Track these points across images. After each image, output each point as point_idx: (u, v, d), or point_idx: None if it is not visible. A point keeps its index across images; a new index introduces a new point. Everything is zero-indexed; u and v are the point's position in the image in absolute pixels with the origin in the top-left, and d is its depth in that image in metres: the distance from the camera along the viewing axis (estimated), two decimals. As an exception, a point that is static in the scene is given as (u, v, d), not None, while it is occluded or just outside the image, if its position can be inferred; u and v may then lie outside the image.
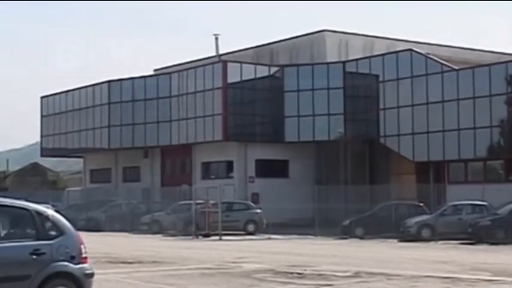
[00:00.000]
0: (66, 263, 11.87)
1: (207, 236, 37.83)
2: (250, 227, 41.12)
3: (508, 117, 41.59)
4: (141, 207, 47.44)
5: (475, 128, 42.22)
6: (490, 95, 41.70)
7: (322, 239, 36.79)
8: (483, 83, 42.02)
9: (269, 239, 37.70)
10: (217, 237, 37.15)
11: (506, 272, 20.76)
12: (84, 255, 12.17)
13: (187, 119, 50.43)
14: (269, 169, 49.10)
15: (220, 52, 55.62)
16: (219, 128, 48.39)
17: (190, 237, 38.23)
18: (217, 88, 48.52)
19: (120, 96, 54.29)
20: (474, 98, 42.24)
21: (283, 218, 44.41)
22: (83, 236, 12.75)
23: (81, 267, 12.06)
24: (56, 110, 60.81)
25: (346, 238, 36.99)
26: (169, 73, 53.75)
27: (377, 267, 21.55)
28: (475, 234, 33.75)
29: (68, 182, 76.63)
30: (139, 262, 23.58)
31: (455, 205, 36.95)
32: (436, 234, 34.98)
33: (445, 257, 26.00)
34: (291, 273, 20.15)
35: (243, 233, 40.58)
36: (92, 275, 12.32)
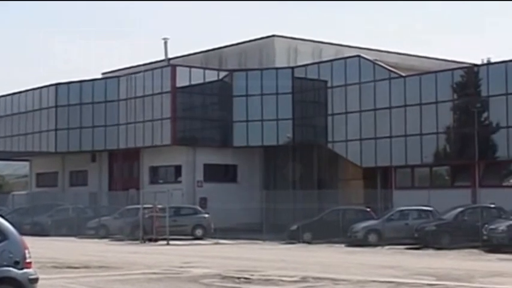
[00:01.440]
0: (9, 268, 11.71)
1: (154, 240, 37.65)
2: (198, 232, 41.03)
3: (453, 123, 42.14)
4: (88, 211, 47.05)
5: (421, 134, 42.69)
6: (437, 102, 42.20)
7: (270, 243, 36.87)
8: (430, 89, 42.50)
9: (217, 243, 37.68)
10: (164, 242, 37.00)
11: (449, 276, 21.04)
12: (28, 260, 12.02)
13: (135, 122, 50.12)
14: (217, 174, 49.04)
15: (169, 56, 55.42)
16: (168, 132, 48.18)
17: (138, 242, 38.02)
18: (166, 92, 48.32)
19: (68, 100, 53.70)
20: (421, 104, 42.70)
21: (231, 222, 44.46)
22: (28, 240, 12.59)
23: (25, 273, 11.91)
24: (1, 112, 59.95)
25: (293, 243, 37.11)
26: (118, 76, 53.35)
27: (324, 272, 21.65)
28: (421, 239, 34.16)
29: (13, 186, 75.58)
30: (86, 267, 23.38)
31: (402, 210, 37.34)
32: (383, 239, 35.30)
33: (391, 262, 26.24)
34: (239, 278, 20.16)
35: (190, 237, 40.48)
36: (36, 280, 12.17)
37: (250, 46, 52.76)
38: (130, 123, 50.46)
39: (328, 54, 50.83)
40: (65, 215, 46.44)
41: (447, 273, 22.05)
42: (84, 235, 42.78)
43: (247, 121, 48.90)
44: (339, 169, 48.28)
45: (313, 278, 20.16)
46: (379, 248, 34.10)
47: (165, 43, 55.36)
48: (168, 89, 48.22)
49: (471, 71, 42.58)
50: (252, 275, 20.67)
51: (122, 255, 29.14)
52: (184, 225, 40.76)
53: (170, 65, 51.06)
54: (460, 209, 35.16)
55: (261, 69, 49.96)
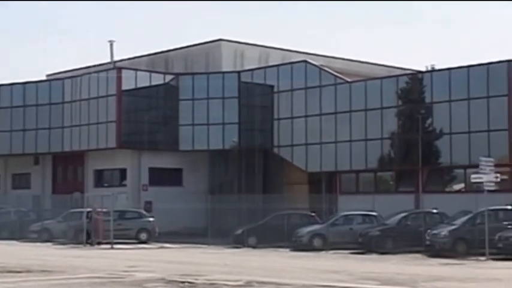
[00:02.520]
0: None
1: (98, 244, 37.27)
2: (143, 236, 40.75)
3: (398, 129, 42.56)
4: (30, 215, 46.36)
5: (366, 140, 43.04)
6: (382, 108, 42.60)
7: (214, 248, 36.76)
8: (375, 95, 42.89)
9: (162, 247, 37.45)
10: (109, 246, 36.65)
11: (393, 280, 21.20)
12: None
13: (80, 125, 49.60)
14: (163, 177, 48.75)
15: (115, 59, 54.97)
16: (113, 135, 47.78)
17: (82, 245, 37.60)
18: (112, 95, 47.92)
19: (11, 101, 52.89)
20: (366, 110, 43.07)
21: (176, 226, 44.28)
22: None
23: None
24: None
25: (238, 247, 37.07)
26: (63, 79, 52.75)
27: (269, 277, 21.63)
28: (365, 244, 34.42)
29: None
30: (28, 271, 23.00)
31: (347, 215, 37.58)
32: (328, 244, 35.47)
33: (335, 266, 26.34)
34: (183, 282, 20.03)
35: (135, 241, 40.18)
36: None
37: (197, 50, 52.61)
38: (75, 126, 49.92)
39: (274, 59, 50.97)
40: (6, 218, 45.70)
41: (390, 277, 22.22)
42: (26, 239, 42.16)
43: (193, 125, 48.75)
44: (284, 174, 48.39)
45: (258, 282, 20.12)
46: (323, 252, 34.24)
47: (111, 45, 54.93)
48: (114, 92, 47.83)
49: (416, 77, 43.08)
50: (196, 279, 20.55)
51: (65, 259, 28.76)
52: (129, 229, 40.45)
53: (116, 67, 50.67)
54: (403, 214, 35.52)
55: (208, 73, 49.88)
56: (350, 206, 39.35)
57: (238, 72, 49.38)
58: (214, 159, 50.36)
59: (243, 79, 48.74)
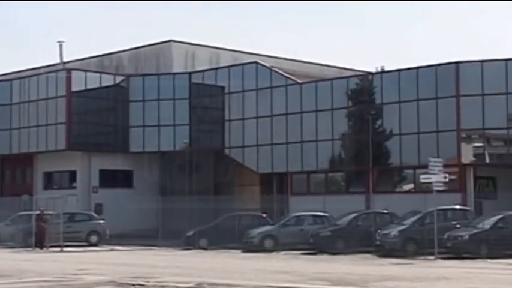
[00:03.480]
0: None
1: (47, 247, 36.85)
2: (93, 238, 40.39)
3: (348, 130, 42.82)
4: (-23, 218, 45.59)
5: (317, 141, 43.21)
6: (332, 109, 42.82)
7: (166, 249, 36.59)
8: (325, 96, 43.08)
9: (112, 250, 37.16)
10: (58, 249, 36.25)
11: (344, 281, 21.30)
12: None
13: (29, 127, 48.98)
14: (113, 179, 48.39)
15: (65, 59, 54.43)
16: (62, 137, 47.28)
17: (30, 249, 37.12)
18: (61, 96, 47.41)
19: (-43, 102, 51.99)
20: (317, 111, 43.25)
21: (127, 228, 43.98)
22: None
23: None
24: None
25: (190, 249, 36.94)
26: (11, 80, 52.01)
27: (220, 278, 21.58)
28: (316, 245, 34.55)
29: None
30: (-26, 275, 22.62)
31: (298, 216, 37.68)
32: (279, 245, 35.52)
33: (286, 267, 26.38)
34: (133, 284, 19.89)
35: (85, 244, 39.81)
36: None
37: (147, 51, 52.36)
38: (23, 127, 49.29)
39: (225, 60, 50.93)
40: (-47, 222, 44.85)
41: (341, 277, 22.32)
42: (-27, 242, 41.48)
43: (143, 126, 48.48)
44: (235, 175, 48.37)
45: (209, 284, 20.06)
46: (274, 253, 34.28)
47: (60, 46, 54.40)
48: (63, 93, 47.35)
49: (366, 78, 43.39)
50: (147, 282, 20.42)
51: (14, 263, 28.35)
52: (79, 232, 40.06)
53: (65, 68, 50.15)
54: (354, 215, 35.73)
55: (158, 74, 49.66)
56: (301, 206, 39.49)
57: (189, 73, 49.24)
58: (165, 161, 50.12)
59: (194, 80, 48.60)
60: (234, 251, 35.72)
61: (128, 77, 49.75)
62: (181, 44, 51.89)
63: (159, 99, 48.44)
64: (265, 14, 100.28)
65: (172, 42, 51.64)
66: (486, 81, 37.95)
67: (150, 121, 48.40)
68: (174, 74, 49.35)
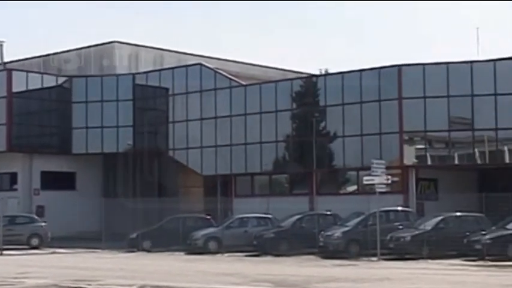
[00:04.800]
0: None
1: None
2: (34, 241, 39.81)
3: (292, 132, 42.97)
4: None
5: (261, 143, 43.27)
6: (276, 111, 42.91)
7: (109, 252, 36.28)
8: (269, 98, 43.17)
9: (54, 253, 36.71)
10: (-2, 252, 35.67)
11: (287, 282, 21.38)
12: None
13: (-32, 128, 48.08)
14: (55, 181, 47.77)
15: (6, 60, 53.60)
16: (3, 138, 46.52)
17: (-31, 252, 36.46)
18: (2, 97, 46.68)
19: None
20: (261, 113, 43.30)
21: (69, 231, 43.52)
22: None
23: None
24: None
25: (133, 251, 36.69)
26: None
27: (163, 281, 21.50)
28: (260, 246, 34.57)
29: None
30: None
31: (242, 218, 37.67)
32: (223, 247, 35.45)
33: (230, 269, 26.38)
34: (75, 288, 19.70)
35: (26, 247, 39.22)
36: None
37: (91, 52, 51.88)
38: (-38, 128, 48.34)
39: (169, 61, 50.75)
40: None
41: (284, 279, 22.40)
42: None
43: (86, 128, 48.00)
44: (179, 177, 48.17)
45: (152, 286, 19.98)
46: (219, 255, 34.24)
47: (1, 46, 53.51)
48: (4, 94, 46.62)
49: (310, 81, 43.59)
50: (89, 285, 20.26)
51: (-48, 267, 27.83)
52: (20, 234, 39.42)
53: (6, 69, 49.35)
54: (297, 216, 35.84)
55: (101, 76, 49.23)
56: (245, 208, 39.48)
57: (133, 74, 48.92)
58: (108, 163, 49.73)
59: (137, 81, 48.30)
60: (177, 253, 35.58)
61: (71, 77, 49.19)
62: (125, 45, 51.54)
63: (102, 101, 48.02)
64: (209, 15, 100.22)
65: (115, 43, 51.27)
66: (428, 84, 38.43)
67: (93, 122, 47.93)
68: (118, 75, 48.98)
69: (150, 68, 49.56)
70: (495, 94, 37.43)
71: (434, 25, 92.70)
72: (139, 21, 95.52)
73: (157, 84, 47.99)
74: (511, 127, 37.07)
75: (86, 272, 24.77)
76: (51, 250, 37.75)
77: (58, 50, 53.64)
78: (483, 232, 30.63)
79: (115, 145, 47.95)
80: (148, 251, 36.62)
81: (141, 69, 49.77)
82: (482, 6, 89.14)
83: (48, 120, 48.93)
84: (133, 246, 37.42)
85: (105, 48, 51.58)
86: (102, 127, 47.88)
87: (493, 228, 31.27)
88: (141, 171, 48.71)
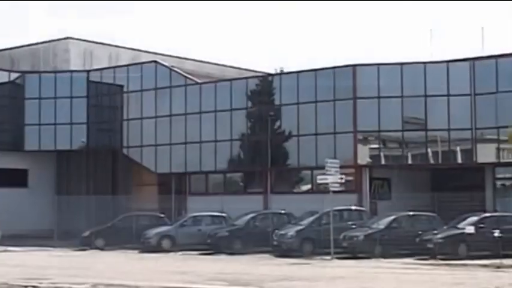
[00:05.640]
0: None
1: None
2: (-15, 239, 39.28)
3: (247, 131, 42.96)
4: None
5: (216, 141, 43.20)
6: (231, 109, 42.87)
7: (61, 250, 35.98)
8: (225, 97, 43.12)
9: (5, 251, 36.26)
10: None
11: (240, 281, 21.38)
12: None
13: None
14: (7, 178, 47.02)
15: (-43, 55, 52.84)
16: (-47, 134, 45.83)
17: None
18: (-48, 93, 46.00)
19: None
20: (216, 111, 43.23)
21: (21, 229, 42.93)
22: None
23: None
24: None
25: (86, 249, 36.44)
26: None
27: (116, 279, 21.37)
28: (214, 245, 34.57)
29: None
30: None
31: (195, 216, 37.64)
32: (177, 245, 35.39)
33: (184, 268, 26.34)
34: (26, 286, 19.51)
35: (-24, 245, 38.70)
36: None
37: (44, 48, 51.33)
38: None
39: (124, 58, 50.45)
40: None
41: (238, 278, 22.41)
42: None
43: (39, 124, 47.43)
44: (133, 175, 47.89)
45: (104, 285, 19.84)
46: (172, 253, 34.16)
47: (-47, 41, 52.80)
48: (-46, 90, 45.92)
49: (265, 80, 43.62)
50: (40, 283, 20.05)
51: None
52: (-30, 233, 38.90)
53: (-43, 64, 48.66)
54: (251, 215, 35.90)
55: (55, 72, 48.73)
56: (199, 207, 39.42)
57: (87, 71, 48.50)
58: (61, 160, 49.26)
59: (91, 78, 47.89)
60: (131, 251, 35.41)
61: (24, 73, 48.60)
62: (79, 42, 51.08)
63: (55, 97, 47.50)
64: (165, 13, 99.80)
65: (69, 40, 50.79)
66: (382, 84, 38.70)
67: (46, 119, 47.39)
68: (72, 71, 48.48)
69: (105, 65, 49.22)
70: (448, 95, 37.82)
71: (389, 26, 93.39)
72: (93, 17, 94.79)
73: (111, 82, 47.64)
74: (463, 128, 37.47)
75: (37, 270, 24.52)
76: (3, 248, 37.24)
77: (11, 46, 53.02)
78: (435, 231, 31.01)
79: (68, 142, 47.48)
80: (102, 249, 36.40)
81: (96, 66, 49.38)
82: (436, 8, 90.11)
83: (0, 116, 48.25)
84: (86, 245, 37.17)
85: (58, 45, 51.07)
86: (55, 124, 47.37)
87: (445, 227, 31.65)
88: (94, 169, 48.33)
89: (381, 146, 39.63)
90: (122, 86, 47.13)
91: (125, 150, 46.88)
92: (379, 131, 39.04)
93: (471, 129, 37.33)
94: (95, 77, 48.01)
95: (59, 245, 37.43)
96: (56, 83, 47.53)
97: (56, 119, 47.35)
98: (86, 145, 47.40)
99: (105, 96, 48.45)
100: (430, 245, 30.44)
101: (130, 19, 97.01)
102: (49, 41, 51.36)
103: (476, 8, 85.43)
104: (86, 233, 37.78)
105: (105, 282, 20.40)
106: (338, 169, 32.62)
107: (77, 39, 51.03)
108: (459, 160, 38.23)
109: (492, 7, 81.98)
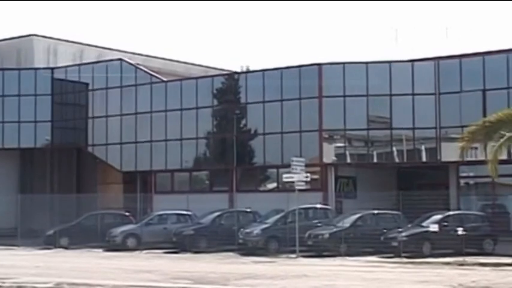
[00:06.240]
0: None
1: None
2: None
3: (213, 129, 42.90)
4: None
5: (182, 139, 43.10)
6: (197, 108, 42.79)
7: (25, 249, 35.67)
8: (190, 95, 43.02)
9: (-33, 251, 35.87)
10: None
11: (205, 279, 21.36)
12: None
13: None
14: (-31, 177, 46.64)
15: None
16: None
17: None
18: None
19: None
20: (181, 109, 43.13)
21: (-17, 228, 42.53)
22: None
23: None
24: None
25: (50, 248, 36.17)
26: None
27: (80, 278, 21.23)
28: (180, 243, 34.51)
29: None
30: None
31: (161, 215, 37.55)
32: (142, 244, 35.27)
33: (149, 266, 26.25)
34: (-12, 285, 19.27)
35: None
36: None
37: (8, 45, 50.82)
38: None
39: (90, 56, 50.13)
40: None
41: (203, 276, 22.38)
42: None
43: (3, 122, 46.93)
44: (98, 173, 47.64)
45: (68, 284, 19.70)
46: (137, 252, 34.03)
47: None
48: None
49: (231, 78, 43.59)
50: (3, 283, 19.84)
51: None
52: None
53: None
54: (217, 213, 35.86)
55: (19, 69, 48.25)
56: (165, 205, 39.32)
57: (52, 69, 48.12)
58: (25, 158, 48.83)
59: (56, 76, 47.51)
60: (96, 250, 35.23)
61: (-13, 71, 48.07)
62: (44, 39, 50.65)
63: (19, 95, 47.03)
64: (132, 11, 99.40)
65: (33, 37, 50.33)
66: (348, 83, 38.84)
67: (10, 117, 46.89)
68: (36, 69, 48.08)
69: (70, 63, 48.84)
70: (413, 94, 38.06)
71: (355, 25, 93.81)
72: (58, 14, 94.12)
73: (76, 79, 47.31)
74: (428, 126, 37.74)
75: (0, 270, 24.27)
76: (-36, 248, 36.90)
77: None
78: (399, 229, 31.21)
79: (32, 140, 47.05)
80: (66, 248, 36.17)
81: (60, 64, 48.99)
82: (401, 8, 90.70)
83: (-36, 113, 47.69)
84: (50, 243, 36.92)
85: (23, 42, 50.60)
86: (19, 122, 46.90)
87: (409, 225, 31.87)
88: (59, 167, 48.00)
89: (347, 144, 39.76)
90: (87, 84, 46.83)
91: (90, 149, 46.59)
92: (345, 130, 39.18)
93: (435, 128, 37.63)
94: (59, 74, 47.64)
95: (22, 244, 37.10)
96: (20, 80, 47.07)
97: (20, 117, 46.88)
98: (50, 143, 47.04)
99: (70, 94, 48.10)
100: (394, 243, 30.63)
101: (96, 17, 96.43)
102: (13, 38, 50.88)
103: (441, 8, 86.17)
104: (50, 232, 37.51)
105: (69, 281, 20.27)
106: (303, 168, 32.70)
107: (42, 36, 50.60)
108: (424, 159, 38.49)
109: (456, 7, 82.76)
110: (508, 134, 18.72)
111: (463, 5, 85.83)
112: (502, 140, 18.84)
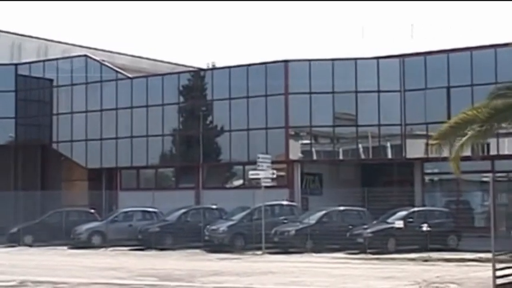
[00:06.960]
0: None
1: None
2: None
3: (179, 126, 42.79)
4: None
5: (147, 136, 42.93)
6: (163, 104, 42.64)
7: (-13, 247, 35.29)
8: (156, 92, 42.86)
9: None
10: None
11: (171, 276, 21.30)
12: None
13: None
14: None
15: None
16: None
17: None
18: None
19: None
20: (147, 106, 42.96)
21: None
22: None
23: None
24: None
25: (14, 246, 35.86)
26: None
27: (44, 276, 21.08)
28: (145, 241, 34.40)
29: None
30: None
31: (126, 212, 37.38)
32: (107, 241, 35.10)
33: (114, 264, 26.12)
34: (-49, 284, 19.05)
35: None
36: None
37: (-30, 40, 50.20)
38: None
39: (54, 52, 49.68)
40: None
41: (169, 273, 22.31)
42: None
43: (-34, 118, 46.45)
44: (63, 170, 47.31)
45: (33, 282, 19.54)
46: (102, 249, 33.86)
47: None
48: None
49: (197, 75, 43.52)
50: (-34, 281, 19.62)
51: None
52: None
53: None
54: (183, 210, 35.80)
55: (-18, 65, 47.70)
56: (131, 202, 39.15)
57: (15, 64, 47.64)
58: (-12, 155, 48.31)
59: (20, 72, 47.05)
60: (61, 247, 34.98)
61: (-51, 67, 47.45)
62: (7, 34, 50.11)
63: (-18, 91, 46.55)
64: (97, 7, 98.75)
65: (-4, 33, 49.82)
66: (313, 79, 38.92)
67: (-27, 113, 46.39)
68: (-1, 65, 47.58)
69: (34, 59, 48.41)
70: (378, 91, 38.25)
71: (321, 22, 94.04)
72: (22, 9, 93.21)
73: (41, 75, 46.91)
74: (393, 123, 37.95)
75: (-37, 268, 24.01)
76: None
77: None
78: (365, 226, 31.37)
79: (-4, 137, 46.58)
80: (30, 245, 35.89)
81: (24, 60, 48.54)
82: (367, 5, 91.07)
83: None
84: (14, 241, 36.61)
85: (-15, 37, 50.04)
86: (-18, 118, 46.41)
87: (375, 222, 32.04)
88: (23, 164, 47.58)
89: (313, 141, 39.87)
90: (51, 80, 46.44)
91: (54, 145, 46.23)
92: (311, 127, 39.28)
93: (401, 125, 37.86)
94: (23, 70, 47.19)
95: (-15, 242, 36.74)
96: (-17, 77, 46.55)
97: (-17, 113, 46.36)
98: (14, 140, 46.59)
99: (34, 90, 47.66)
100: (360, 240, 30.78)
101: (60, 12, 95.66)
102: (-25, 34, 50.29)
103: (406, 5, 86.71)
104: (14, 230, 37.18)
105: (33, 279, 20.11)
106: (270, 164, 32.75)
107: (5, 31, 50.09)
108: (389, 155, 38.70)
109: (422, 5, 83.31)
110: (470, 133, 18.89)
111: (428, 3, 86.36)
112: (463, 139, 19.01)
